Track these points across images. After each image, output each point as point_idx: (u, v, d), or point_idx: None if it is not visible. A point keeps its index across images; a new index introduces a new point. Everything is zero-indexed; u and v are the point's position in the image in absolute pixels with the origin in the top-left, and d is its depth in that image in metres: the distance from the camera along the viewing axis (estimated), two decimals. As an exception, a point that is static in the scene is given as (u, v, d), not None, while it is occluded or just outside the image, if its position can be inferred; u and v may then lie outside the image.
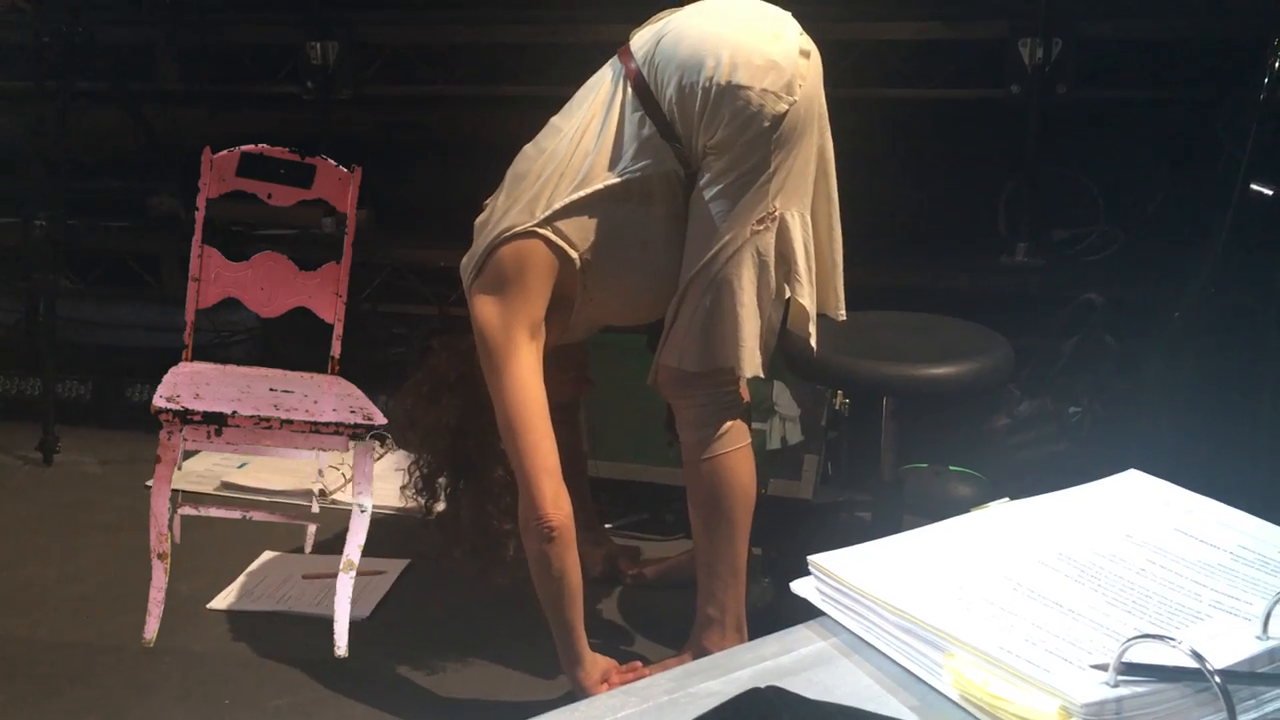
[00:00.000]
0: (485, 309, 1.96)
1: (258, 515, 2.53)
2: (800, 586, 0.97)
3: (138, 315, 3.68)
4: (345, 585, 1.69)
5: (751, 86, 1.83)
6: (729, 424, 1.98)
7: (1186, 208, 2.88)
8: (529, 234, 1.95)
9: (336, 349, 1.88)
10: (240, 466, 3.02)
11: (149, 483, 2.94)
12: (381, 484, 2.90)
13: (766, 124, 1.84)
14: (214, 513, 2.55)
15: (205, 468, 3.04)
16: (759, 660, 0.89)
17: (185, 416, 1.58)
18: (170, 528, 1.74)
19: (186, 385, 1.70)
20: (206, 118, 3.78)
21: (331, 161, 1.84)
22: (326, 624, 2.28)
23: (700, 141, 1.89)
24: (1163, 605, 0.88)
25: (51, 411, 3.09)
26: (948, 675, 0.83)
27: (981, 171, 3.19)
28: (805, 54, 1.89)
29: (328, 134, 3.41)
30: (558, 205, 1.95)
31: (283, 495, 2.86)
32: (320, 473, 2.84)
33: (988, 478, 2.56)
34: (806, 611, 0.97)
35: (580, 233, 1.95)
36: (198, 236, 1.77)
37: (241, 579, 2.46)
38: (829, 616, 0.95)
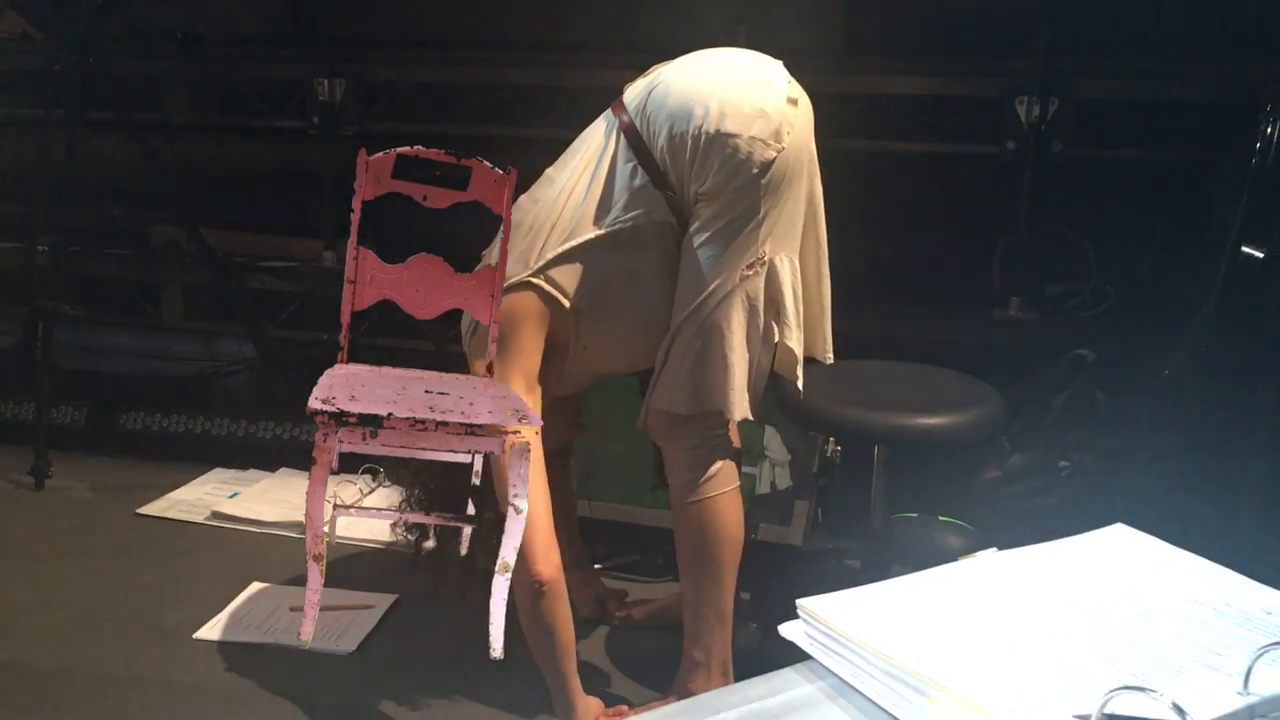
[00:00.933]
0: (481, 363, 1.99)
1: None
2: (788, 630, 0.98)
3: (135, 343, 3.69)
4: (500, 587, 1.70)
5: (740, 134, 1.87)
6: (718, 467, 1.99)
7: (1178, 267, 2.91)
8: (523, 284, 1.98)
9: (493, 351, 1.89)
10: (231, 497, 3.02)
11: (139, 510, 2.97)
12: (372, 519, 2.91)
13: (755, 170, 1.87)
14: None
15: (196, 497, 3.04)
16: (745, 702, 0.90)
17: (341, 419, 1.58)
18: (326, 530, 1.74)
19: (342, 387, 1.70)
20: (212, 149, 3.81)
21: (488, 164, 1.85)
22: (314, 657, 2.28)
23: (691, 190, 1.92)
24: (1145, 658, 0.89)
25: (45, 436, 3.10)
26: (932, 721, 0.84)
27: (977, 225, 3.22)
28: (793, 101, 1.92)
29: (331, 169, 3.44)
30: (550, 255, 1.97)
31: (273, 526, 2.85)
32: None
33: (977, 529, 2.57)
34: (794, 657, 0.98)
35: (573, 282, 1.97)
36: (353, 239, 1.78)
37: (229, 610, 2.46)
38: (816, 660, 0.96)
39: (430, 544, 2.22)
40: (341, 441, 1.65)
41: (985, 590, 1.00)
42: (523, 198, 2.11)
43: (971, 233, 3.24)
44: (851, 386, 2.15)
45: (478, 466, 1.99)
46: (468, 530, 2.02)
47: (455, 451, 1.82)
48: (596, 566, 2.65)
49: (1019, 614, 0.96)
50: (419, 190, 1.90)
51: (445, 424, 1.61)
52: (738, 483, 2.03)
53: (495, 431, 1.63)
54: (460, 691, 2.19)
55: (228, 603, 2.48)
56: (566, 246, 1.98)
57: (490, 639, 1.76)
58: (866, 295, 2.28)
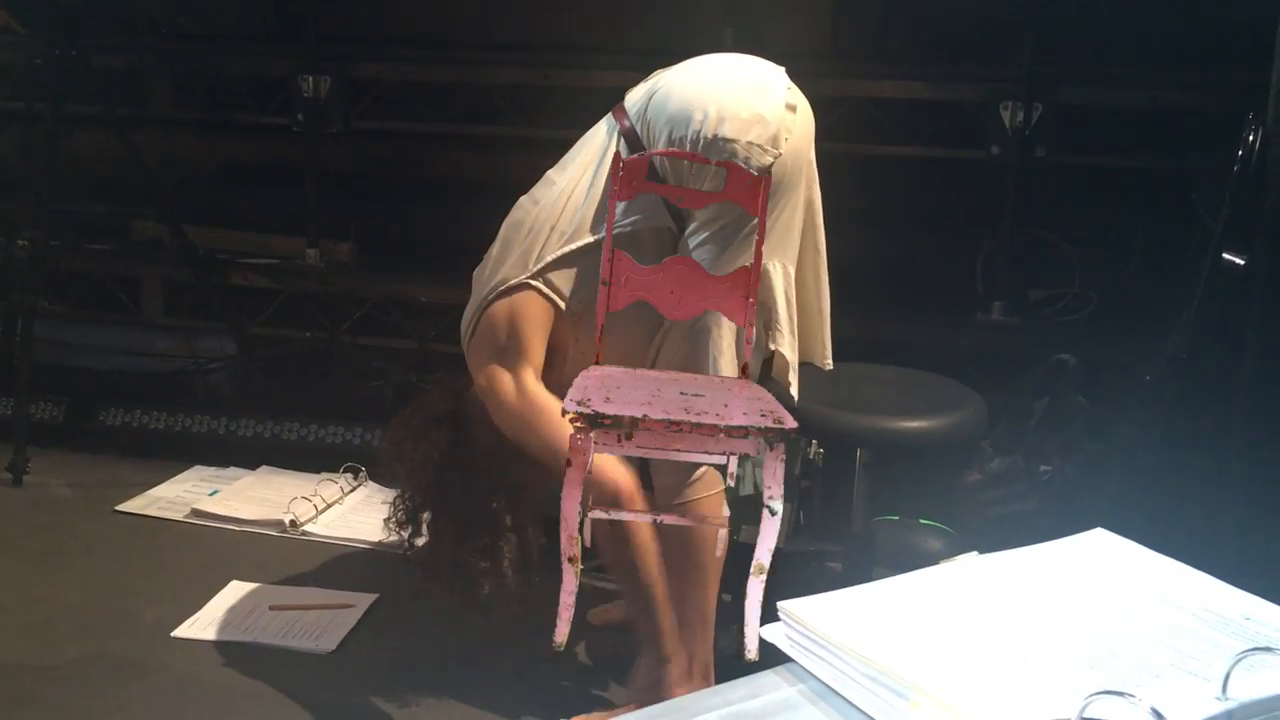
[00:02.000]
0: (486, 367, 1.98)
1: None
2: (770, 632, 0.98)
3: (115, 339, 3.67)
4: (755, 589, 1.69)
5: (737, 139, 1.87)
6: (703, 470, 1.99)
7: (1160, 273, 2.93)
8: (522, 286, 1.98)
9: (747, 353, 1.88)
10: (211, 494, 3.01)
11: (118, 507, 2.95)
12: (354, 516, 2.91)
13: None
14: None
15: (175, 494, 3.02)
16: (725, 704, 0.90)
17: (596, 420, 1.57)
18: (580, 532, 1.73)
19: (597, 389, 1.70)
20: (196, 145, 3.80)
21: (741, 165, 1.84)
22: (292, 656, 2.27)
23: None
24: (1124, 663, 0.89)
25: (23, 432, 3.07)
26: (912, 725, 0.84)
27: (960, 229, 3.23)
28: (792, 108, 1.92)
29: (315, 166, 3.43)
30: (549, 258, 1.97)
31: (253, 525, 2.84)
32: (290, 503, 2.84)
33: (958, 532, 2.57)
34: (775, 659, 0.98)
35: (569, 285, 1.98)
36: (608, 241, 1.78)
37: (208, 608, 2.44)
38: (797, 663, 0.96)
39: (422, 540, 2.21)
40: (597, 444, 1.65)
41: (966, 594, 1.00)
42: (523, 198, 2.11)
43: (955, 237, 3.25)
44: (834, 389, 2.15)
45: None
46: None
47: (710, 453, 1.82)
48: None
49: (999, 618, 0.96)
50: (674, 192, 1.90)
51: (700, 425, 1.61)
52: (722, 486, 2.03)
53: (749, 433, 1.62)
54: (440, 691, 2.18)
55: (206, 601, 2.47)
56: (564, 250, 1.98)
57: (745, 640, 1.74)
58: (849, 298, 2.29)
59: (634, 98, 2.04)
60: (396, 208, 3.68)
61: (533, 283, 1.98)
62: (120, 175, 3.47)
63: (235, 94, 3.60)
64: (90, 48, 3.20)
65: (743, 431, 1.61)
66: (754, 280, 1.83)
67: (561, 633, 1.79)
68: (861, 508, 2.24)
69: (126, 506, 2.95)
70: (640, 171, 1.87)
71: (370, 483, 3.06)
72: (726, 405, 1.67)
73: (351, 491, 3.03)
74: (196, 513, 2.90)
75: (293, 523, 2.81)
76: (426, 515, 2.14)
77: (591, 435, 1.59)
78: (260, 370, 3.49)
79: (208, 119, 3.69)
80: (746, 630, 1.73)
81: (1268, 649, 0.84)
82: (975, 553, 1.09)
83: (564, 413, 1.59)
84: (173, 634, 2.35)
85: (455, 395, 2.13)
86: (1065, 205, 3.14)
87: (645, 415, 1.59)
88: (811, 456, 2.74)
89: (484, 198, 3.60)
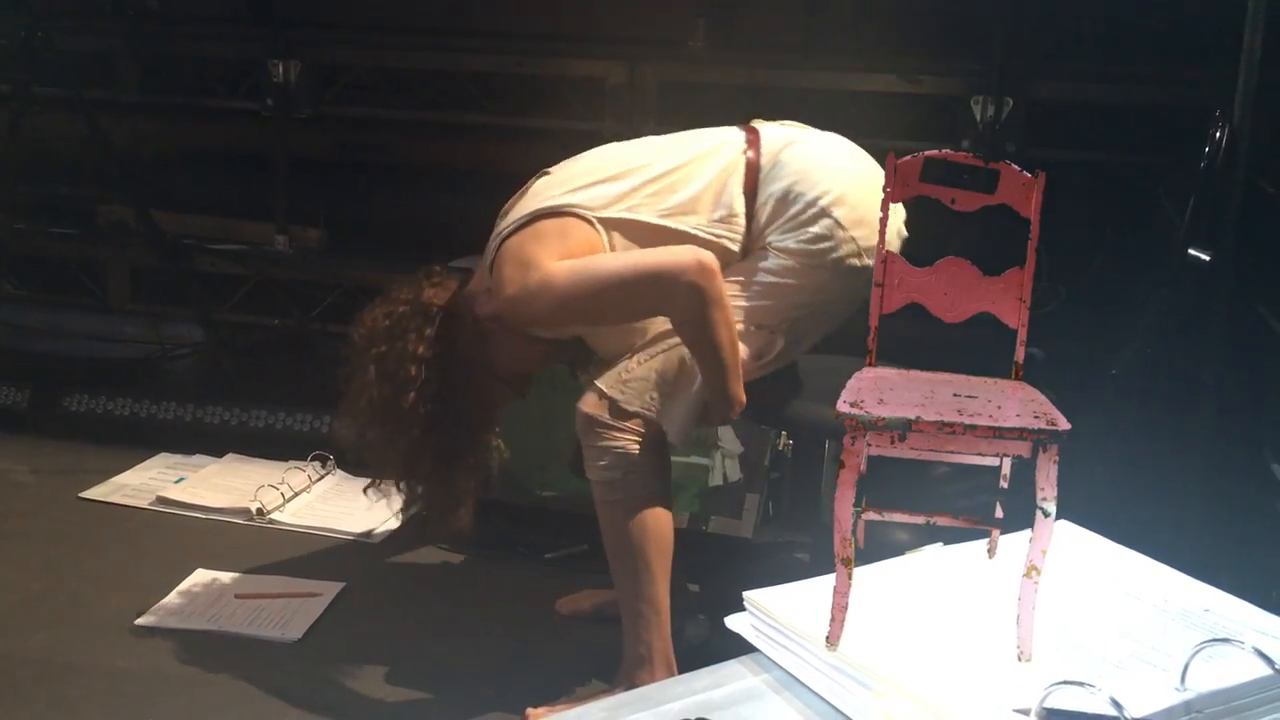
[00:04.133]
0: (531, 248, 1.95)
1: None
2: (735, 622, 0.98)
3: (80, 324, 3.63)
4: (1029, 591, 1.66)
5: (845, 228, 1.95)
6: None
7: (1127, 267, 2.95)
8: (588, 220, 1.96)
9: (1020, 354, 1.85)
10: (177, 482, 2.98)
11: (81, 494, 2.92)
12: (321, 505, 2.89)
13: (829, 265, 1.95)
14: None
15: (140, 482, 2.99)
16: (690, 693, 0.91)
17: (870, 423, 1.56)
18: (854, 533, 1.70)
19: (870, 390, 1.69)
20: (163, 129, 3.76)
21: (1015, 167, 1.82)
22: (258, 645, 2.25)
23: (770, 237, 1.97)
24: (1086, 653, 0.90)
25: (-14, 418, 3.04)
26: (876, 714, 0.84)
27: (930, 222, 3.24)
28: (901, 238, 2.05)
29: (284, 151, 3.40)
30: (626, 215, 1.97)
31: (219, 513, 2.82)
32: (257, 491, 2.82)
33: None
34: (742, 648, 0.98)
35: (627, 248, 1.98)
36: (881, 241, 1.77)
37: (172, 596, 2.42)
38: (762, 653, 0.96)
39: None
40: (870, 445, 1.64)
41: (930, 585, 1.01)
42: (622, 143, 2.14)
43: (924, 230, 3.25)
44: (802, 381, 2.15)
45: None
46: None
47: (983, 455, 1.82)
48: (547, 556, 2.65)
49: (962, 609, 0.97)
50: (947, 194, 1.89)
51: (973, 428, 1.60)
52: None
53: (1023, 435, 1.61)
54: (407, 680, 2.18)
55: (171, 589, 2.45)
56: (646, 220, 1.97)
57: (1019, 642, 1.73)
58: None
59: (770, 135, 2.06)
60: (367, 194, 3.65)
61: (598, 223, 1.96)
62: (87, 159, 3.44)
63: (204, 78, 3.56)
64: (57, 30, 3.16)
65: (1016, 433, 1.60)
66: (1026, 281, 1.83)
67: (835, 634, 1.79)
68: (830, 499, 2.24)
69: (91, 494, 2.92)
70: (914, 173, 1.89)
71: (338, 471, 3.05)
72: (1000, 407, 1.67)
73: (319, 480, 3.01)
74: (161, 500, 2.87)
75: (259, 511, 2.79)
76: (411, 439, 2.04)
77: (866, 438, 1.59)
78: (228, 357, 3.46)
79: (176, 103, 3.64)
80: (1020, 631, 1.71)
81: (1225, 640, 0.85)
82: (940, 544, 1.09)
83: (836, 415, 1.57)
84: (136, 622, 2.32)
85: (450, 291, 2.10)
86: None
87: (919, 417, 1.59)
88: (781, 448, 2.75)
89: (454, 184, 3.62)
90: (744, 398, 1.95)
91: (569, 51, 3.36)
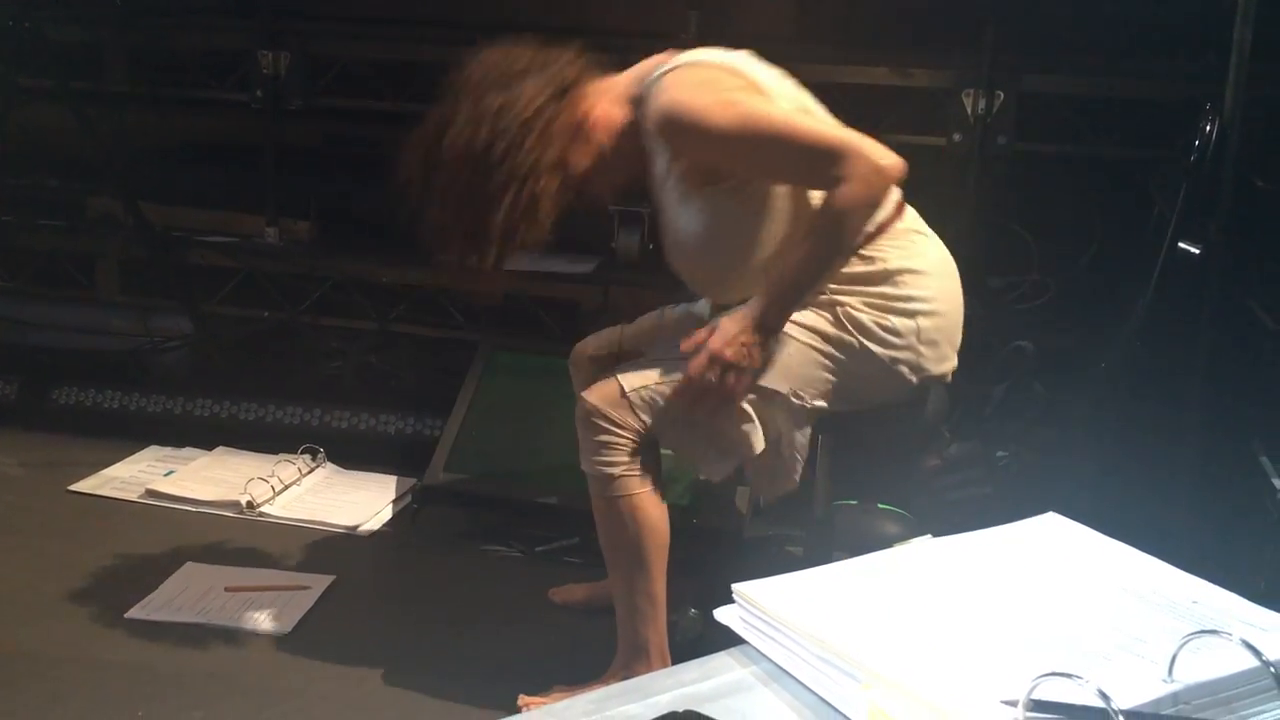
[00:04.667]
0: (715, 73, 1.90)
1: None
2: (724, 614, 0.98)
3: (69, 317, 3.61)
4: None
5: (920, 340, 1.93)
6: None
7: (1117, 261, 2.95)
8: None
9: None
10: (166, 475, 2.98)
11: (71, 487, 2.91)
12: (311, 498, 2.89)
13: (882, 358, 1.92)
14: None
15: (130, 475, 2.99)
16: (679, 685, 0.90)
17: None
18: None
19: None
20: (152, 121, 3.73)
21: None
22: (248, 638, 2.25)
23: (844, 297, 1.94)
24: (1073, 645, 0.90)
25: (-26, 410, 3.03)
26: (863, 706, 0.84)
27: (922, 216, 3.24)
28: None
29: (274, 143, 3.38)
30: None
31: (209, 506, 2.81)
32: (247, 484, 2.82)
33: (916, 517, 2.59)
34: (732, 642, 0.98)
35: None
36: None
37: (162, 589, 2.42)
38: (751, 645, 0.96)
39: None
40: None
41: (919, 577, 1.01)
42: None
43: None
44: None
45: None
46: None
47: None
48: (538, 549, 2.65)
49: (951, 601, 0.97)
50: None
51: None
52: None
53: None
54: (398, 672, 2.18)
55: (161, 582, 2.45)
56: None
57: None
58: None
59: (912, 215, 2.07)
60: (357, 187, 3.64)
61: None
62: (75, 151, 3.42)
63: (193, 69, 3.54)
64: (44, 19, 3.14)
65: None
66: None
67: None
68: (822, 493, 2.25)
69: (80, 486, 2.91)
70: None
71: (328, 464, 3.04)
72: None
73: (309, 473, 3.01)
74: (151, 493, 2.87)
75: (249, 504, 2.79)
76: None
77: None
78: (217, 350, 3.45)
79: (165, 94, 3.62)
80: None
81: (1214, 632, 0.85)
82: (929, 536, 1.09)
83: None
84: (126, 615, 2.32)
85: (580, 71, 2.01)
86: (1024, 193, 3.15)
87: None
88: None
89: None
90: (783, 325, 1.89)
91: (560, 43, 3.34)
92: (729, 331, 1.86)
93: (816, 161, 1.82)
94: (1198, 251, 2.24)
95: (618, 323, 2.34)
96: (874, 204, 1.84)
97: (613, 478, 1.95)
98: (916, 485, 2.58)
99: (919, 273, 1.97)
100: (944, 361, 1.99)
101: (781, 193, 1.91)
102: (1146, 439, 2.42)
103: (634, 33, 3.38)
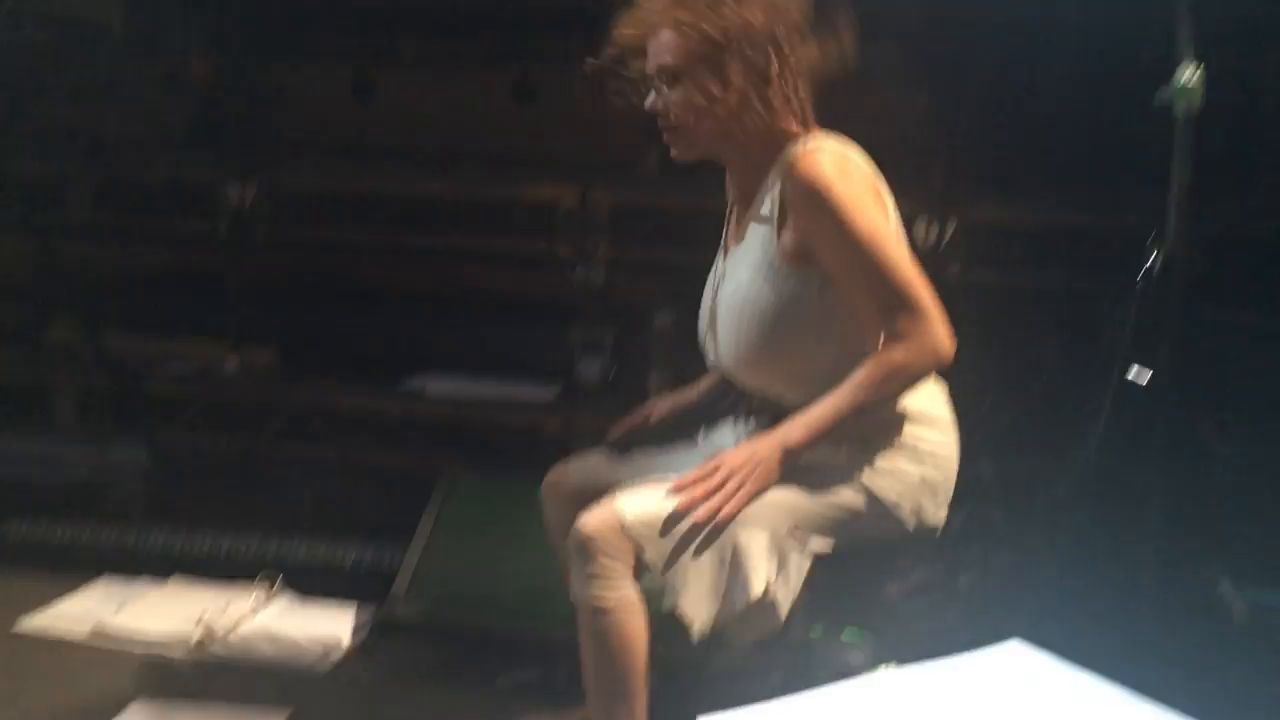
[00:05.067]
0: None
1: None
2: (689, 749, 0.97)
3: (23, 447, 3.56)
4: None
5: (924, 504, 1.98)
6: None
7: (1070, 387, 3.01)
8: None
9: None
10: (119, 608, 2.90)
11: (19, 623, 2.82)
12: (269, 630, 2.82)
13: (886, 505, 1.95)
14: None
15: (81, 608, 2.91)
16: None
17: None
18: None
19: None
20: (116, 252, 3.76)
21: None
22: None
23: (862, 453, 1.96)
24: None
25: (-80, 544, 2.95)
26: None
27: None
28: None
29: (238, 273, 3.41)
30: None
31: (161, 639, 2.74)
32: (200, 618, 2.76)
33: (880, 643, 2.58)
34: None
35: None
36: None
37: (108, 730, 2.34)
38: (717, 780, 0.95)
39: None
40: None
41: (882, 709, 1.00)
42: None
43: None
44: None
45: None
46: None
47: None
48: (498, 681, 2.60)
49: (917, 732, 0.96)
50: None
51: None
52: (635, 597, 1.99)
53: None
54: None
55: (106, 723, 2.37)
56: None
57: None
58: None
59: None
60: (320, 315, 3.66)
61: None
62: (36, 280, 3.42)
63: (158, 199, 3.57)
64: (10, 154, 3.18)
65: None
66: None
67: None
68: (801, 619, 2.21)
69: (28, 623, 2.83)
70: None
71: (286, 594, 2.99)
72: None
73: (266, 604, 2.95)
74: (101, 628, 2.79)
75: (203, 637, 2.72)
76: None
77: None
78: (174, 479, 3.41)
79: (131, 225, 3.65)
80: None
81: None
82: (894, 663, 1.09)
83: None
84: (69, 759, 2.24)
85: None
86: (978, 321, 3.22)
87: None
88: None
89: (408, 306, 3.64)
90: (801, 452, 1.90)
91: (521, 175, 3.42)
92: (752, 449, 1.90)
93: (894, 303, 1.87)
94: (1146, 380, 2.28)
95: (576, 450, 2.34)
96: (924, 376, 1.91)
97: (607, 611, 1.90)
98: (880, 612, 2.57)
99: (930, 421, 2.01)
100: (939, 511, 2.02)
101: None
102: (1106, 563, 2.43)
103: (595, 165, 3.47)
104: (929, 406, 2.02)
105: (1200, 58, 2.26)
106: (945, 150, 3.05)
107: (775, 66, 1.93)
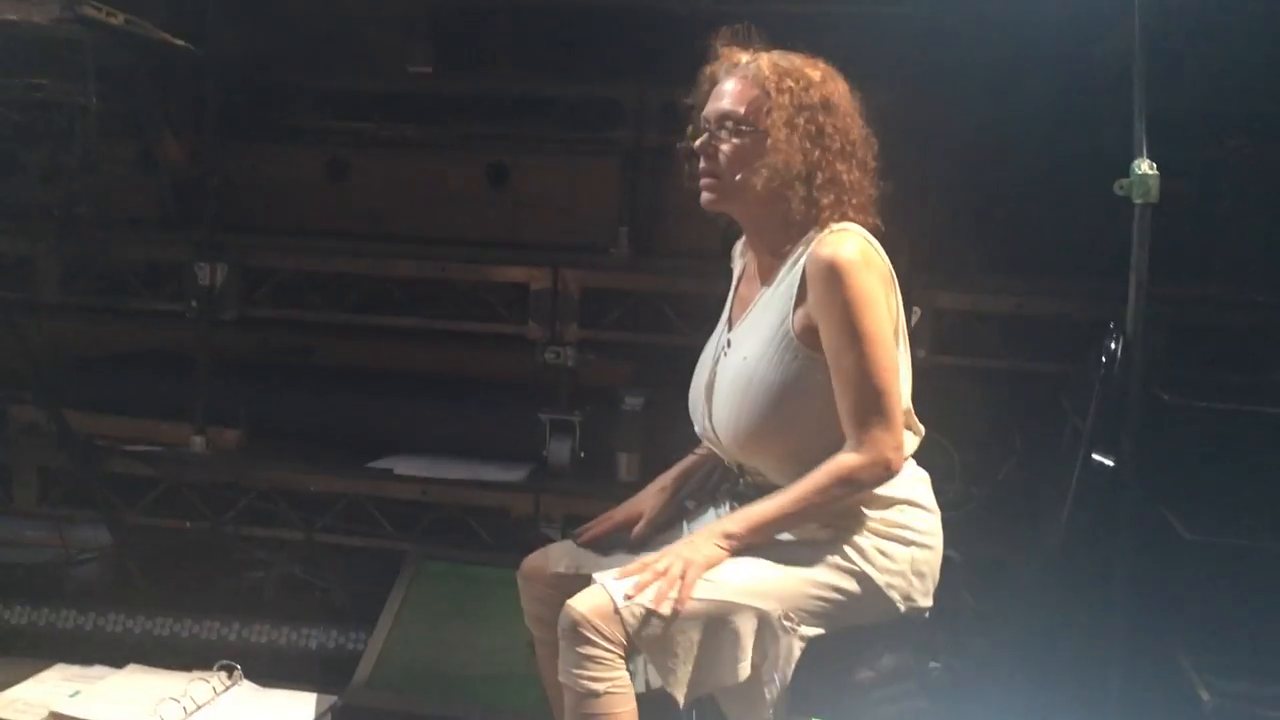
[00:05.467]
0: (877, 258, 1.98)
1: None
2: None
3: (-19, 528, 3.50)
4: None
5: (914, 573, 2.01)
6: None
7: (1036, 472, 3.03)
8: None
9: None
10: (73, 695, 2.84)
11: (-30, 711, 2.75)
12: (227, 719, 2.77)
13: (875, 584, 1.97)
14: None
15: (34, 696, 2.84)
16: None
17: None
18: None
19: None
20: (84, 330, 3.74)
21: None
22: None
23: (849, 524, 1.99)
24: None
25: None
26: None
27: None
28: None
29: (206, 353, 3.39)
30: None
31: (116, 729, 2.68)
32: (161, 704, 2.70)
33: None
34: None
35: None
36: None
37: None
38: None
39: None
40: None
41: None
42: None
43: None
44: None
45: None
46: None
47: None
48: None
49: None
50: None
51: None
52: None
53: None
54: None
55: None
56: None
57: None
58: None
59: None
60: (289, 396, 3.64)
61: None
62: (2, 359, 3.39)
63: (127, 278, 3.57)
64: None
65: None
66: None
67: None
68: (782, 708, 2.18)
69: (-21, 709, 2.76)
70: None
71: (245, 682, 2.93)
72: None
73: (225, 692, 2.89)
74: (55, 716, 2.73)
75: (160, 726, 2.66)
76: None
77: None
78: (135, 562, 3.35)
79: (99, 304, 3.64)
80: None
81: None
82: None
83: None
84: None
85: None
86: (943, 405, 3.25)
87: None
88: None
89: (378, 387, 3.63)
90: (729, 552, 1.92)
91: (493, 257, 3.45)
92: (692, 539, 1.93)
93: (865, 406, 1.91)
94: (1111, 463, 2.31)
95: (544, 530, 2.33)
96: (871, 487, 1.94)
97: (597, 695, 1.86)
98: (851, 698, 2.55)
99: (918, 506, 2.03)
100: (927, 595, 2.04)
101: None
102: (1074, 646, 2.43)
103: (567, 247, 3.51)
104: (916, 492, 2.05)
105: (1156, 149, 2.33)
106: (909, 239, 3.11)
107: (838, 167, 1.99)
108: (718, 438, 2.07)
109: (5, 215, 3.46)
